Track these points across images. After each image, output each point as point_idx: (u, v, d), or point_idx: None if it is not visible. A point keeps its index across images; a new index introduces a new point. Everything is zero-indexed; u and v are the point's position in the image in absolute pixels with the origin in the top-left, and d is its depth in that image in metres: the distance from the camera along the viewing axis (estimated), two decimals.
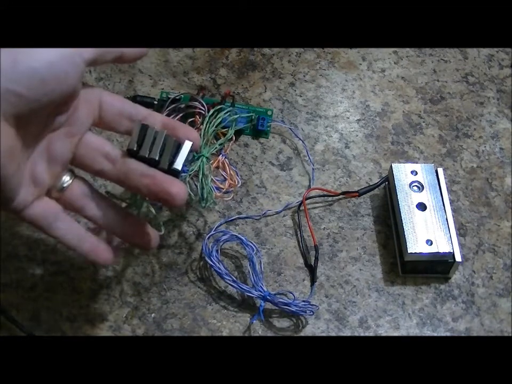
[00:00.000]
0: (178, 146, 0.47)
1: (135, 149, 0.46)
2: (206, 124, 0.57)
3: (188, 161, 0.47)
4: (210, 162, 0.57)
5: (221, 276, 0.56)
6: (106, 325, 0.56)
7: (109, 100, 0.49)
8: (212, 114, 0.58)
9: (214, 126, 0.58)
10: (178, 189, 0.46)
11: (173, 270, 0.59)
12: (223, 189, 0.58)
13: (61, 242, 0.48)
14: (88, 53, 0.47)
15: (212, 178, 0.56)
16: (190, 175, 0.53)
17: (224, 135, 0.61)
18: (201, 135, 0.57)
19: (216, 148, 0.58)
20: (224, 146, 0.61)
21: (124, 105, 0.49)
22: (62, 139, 0.47)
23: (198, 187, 0.55)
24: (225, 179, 0.59)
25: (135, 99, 0.66)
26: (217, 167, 0.60)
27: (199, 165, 0.55)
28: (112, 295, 0.57)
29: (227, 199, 0.59)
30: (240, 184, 0.61)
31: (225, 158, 0.59)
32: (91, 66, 0.47)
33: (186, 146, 0.47)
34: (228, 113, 0.59)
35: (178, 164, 0.46)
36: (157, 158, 0.46)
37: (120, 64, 0.52)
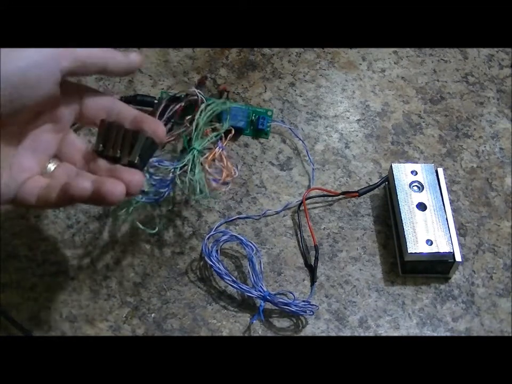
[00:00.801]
0: (143, 140, 0.48)
1: (99, 149, 0.48)
2: (197, 117, 0.57)
3: (149, 154, 0.48)
4: (205, 156, 0.57)
5: (221, 276, 0.56)
6: (106, 325, 0.56)
7: (90, 96, 0.50)
8: (204, 108, 0.58)
9: (206, 118, 0.57)
10: (131, 178, 0.47)
11: (173, 270, 0.59)
12: (219, 179, 0.57)
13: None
14: (66, 61, 0.48)
15: (207, 170, 0.56)
16: (177, 169, 0.55)
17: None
18: (193, 129, 0.57)
19: (208, 140, 0.58)
20: (222, 139, 0.59)
21: (102, 101, 0.51)
22: (47, 134, 0.49)
23: (187, 180, 0.55)
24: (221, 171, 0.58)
25: (135, 99, 0.66)
26: (214, 160, 0.58)
27: (190, 158, 0.55)
28: (112, 295, 0.57)
29: (224, 189, 0.58)
30: (237, 174, 0.59)
31: (222, 149, 0.58)
32: (71, 76, 0.48)
33: (141, 138, 0.47)
34: (220, 105, 0.59)
35: (133, 156, 0.47)
36: (117, 155, 0.47)
37: (111, 77, 0.52)
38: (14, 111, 0.45)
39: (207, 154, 0.57)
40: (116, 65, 0.51)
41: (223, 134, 0.59)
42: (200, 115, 0.58)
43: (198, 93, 0.59)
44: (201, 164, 0.57)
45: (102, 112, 0.50)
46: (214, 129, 0.60)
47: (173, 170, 0.57)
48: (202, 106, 0.58)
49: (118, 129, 0.48)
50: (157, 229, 0.58)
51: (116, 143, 0.48)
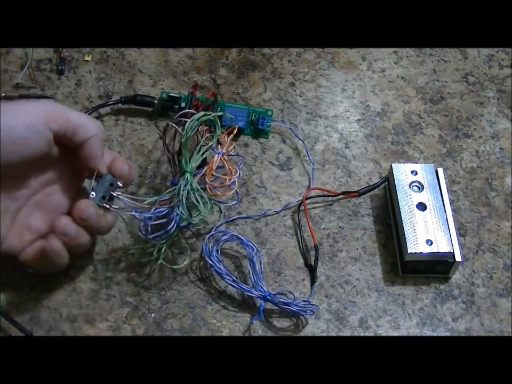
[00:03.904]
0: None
1: (91, 195, 0.54)
2: (183, 140, 0.56)
3: (107, 190, 0.54)
4: (204, 169, 0.56)
5: (221, 275, 0.56)
6: (106, 325, 0.56)
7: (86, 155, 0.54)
8: (187, 128, 0.56)
9: (188, 138, 0.56)
10: (83, 205, 0.53)
11: (173, 270, 0.59)
12: (223, 182, 0.57)
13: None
14: (56, 124, 0.51)
15: (209, 183, 0.55)
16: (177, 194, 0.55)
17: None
18: (182, 152, 0.56)
19: (199, 159, 0.56)
20: (220, 144, 0.58)
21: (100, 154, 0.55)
22: (60, 192, 0.54)
23: (184, 204, 0.54)
24: (225, 174, 0.57)
25: (135, 99, 0.66)
26: (217, 168, 0.58)
27: (186, 181, 0.55)
28: (112, 295, 0.57)
29: (231, 192, 0.57)
30: (239, 173, 0.58)
31: (222, 154, 0.58)
32: (64, 139, 0.52)
33: (106, 179, 0.54)
34: (200, 119, 0.57)
35: (93, 194, 0.53)
36: (90, 196, 0.54)
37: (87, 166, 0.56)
38: (2, 167, 0.49)
39: (205, 168, 0.57)
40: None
41: (225, 135, 0.59)
42: (185, 137, 0.56)
43: (173, 125, 0.57)
44: (198, 185, 0.56)
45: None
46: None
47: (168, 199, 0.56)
48: (187, 127, 0.56)
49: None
50: (182, 265, 0.58)
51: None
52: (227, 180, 0.57)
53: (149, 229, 0.55)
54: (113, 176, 0.55)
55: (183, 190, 0.55)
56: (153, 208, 0.55)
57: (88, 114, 0.65)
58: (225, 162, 0.58)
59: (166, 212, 0.55)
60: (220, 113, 0.60)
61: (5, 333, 0.55)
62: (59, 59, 0.69)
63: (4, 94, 0.66)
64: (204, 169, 0.57)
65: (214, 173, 0.57)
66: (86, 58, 0.69)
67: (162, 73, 0.70)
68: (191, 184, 0.55)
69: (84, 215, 0.52)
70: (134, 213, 0.55)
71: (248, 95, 0.68)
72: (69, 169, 0.55)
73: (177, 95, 0.66)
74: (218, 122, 0.58)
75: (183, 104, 0.65)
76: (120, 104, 0.66)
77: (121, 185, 0.55)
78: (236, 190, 0.58)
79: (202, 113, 0.56)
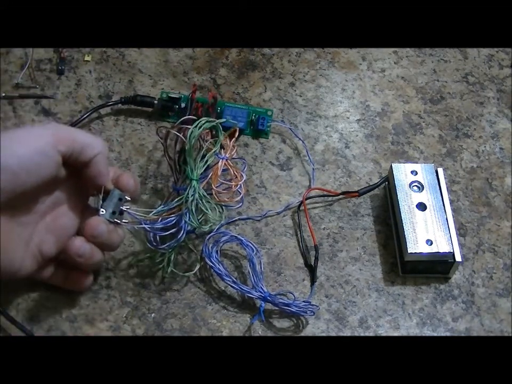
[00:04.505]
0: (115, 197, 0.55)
1: (101, 212, 0.54)
2: (187, 148, 0.56)
3: (116, 205, 0.54)
4: (209, 176, 0.56)
5: (221, 276, 0.56)
6: (106, 325, 0.56)
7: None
8: (189, 136, 0.56)
9: (192, 146, 0.56)
10: (94, 223, 0.53)
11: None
12: (230, 188, 0.57)
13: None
14: (64, 146, 0.51)
15: (215, 190, 0.55)
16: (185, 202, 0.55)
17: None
18: (187, 160, 0.56)
19: (204, 166, 0.56)
20: (223, 148, 0.58)
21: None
22: (67, 212, 0.54)
23: (194, 213, 0.54)
24: (230, 179, 0.57)
25: (135, 99, 0.66)
26: (222, 173, 0.57)
27: (194, 190, 0.55)
28: (112, 295, 0.57)
29: (239, 198, 0.57)
30: (245, 178, 0.58)
31: (226, 159, 0.58)
32: (67, 159, 0.52)
33: (114, 194, 0.54)
34: (203, 126, 0.56)
35: (103, 210, 0.53)
36: (100, 213, 0.53)
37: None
38: (15, 196, 0.49)
39: (210, 174, 0.56)
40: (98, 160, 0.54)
41: (227, 138, 0.59)
42: (188, 146, 0.56)
43: (176, 133, 0.57)
44: (206, 192, 0.56)
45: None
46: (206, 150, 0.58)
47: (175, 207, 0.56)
48: (188, 137, 0.56)
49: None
50: (195, 271, 0.58)
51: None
52: (233, 186, 0.57)
53: (158, 239, 0.56)
54: (120, 189, 0.55)
55: (191, 199, 0.55)
56: (160, 219, 0.55)
57: (89, 114, 0.65)
58: (229, 168, 0.57)
59: (175, 221, 0.55)
60: (223, 120, 0.59)
61: (5, 333, 0.55)
62: (59, 59, 0.69)
63: (4, 94, 0.66)
64: (209, 175, 0.56)
65: (219, 180, 0.56)
66: (86, 58, 0.69)
67: (162, 73, 0.70)
68: (198, 192, 0.55)
69: (96, 232, 0.52)
70: (144, 225, 0.55)
71: (248, 95, 0.68)
72: (74, 188, 0.55)
73: (177, 96, 0.66)
74: (221, 127, 0.57)
75: (183, 105, 0.65)
76: (120, 105, 0.66)
77: (129, 199, 0.55)
78: (241, 194, 0.58)
79: (204, 120, 0.56)
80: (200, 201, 0.55)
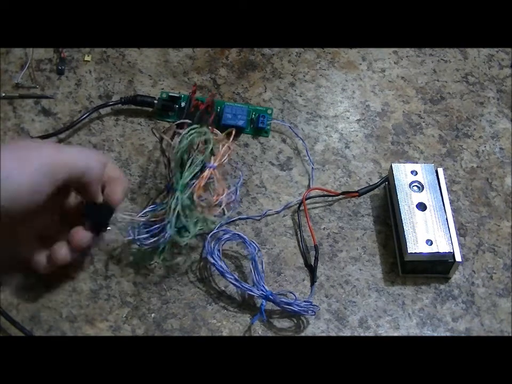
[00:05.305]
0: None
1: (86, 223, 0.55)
2: (173, 157, 0.56)
3: (103, 216, 0.55)
4: (194, 184, 0.56)
5: (223, 274, 0.56)
6: (106, 325, 0.56)
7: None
8: (179, 142, 0.56)
9: (181, 153, 0.56)
10: (80, 236, 0.54)
11: (173, 270, 0.59)
12: (215, 201, 0.57)
13: None
14: (62, 174, 0.50)
15: (198, 202, 0.55)
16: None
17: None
18: (173, 170, 0.57)
19: (189, 176, 0.56)
20: (214, 156, 0.57)
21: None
22: (50, 219, 0.54)
23: (173, 225, 0.55)
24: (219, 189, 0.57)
25: (135, 99, 0.66)
26: (206, 183, 0.57)
27: (176, 200, 0.55)
28: (112, 295, 0.57)
29: (219, 211, 0.57)
30: (228, 191, 0.57)
31: (214, 168, 0.57)
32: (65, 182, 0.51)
33: (102, 206, 0.55)
34: (191, 136, 0.56)
35: (88, 222, 0.55)
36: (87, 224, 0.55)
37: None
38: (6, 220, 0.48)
39: (196, 183, 0.56)
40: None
41: (224, 139, 0.59)
42: (175, 155, 0.56)
43: (168, 140, 0.58)
44: (189, 201, 0.56)
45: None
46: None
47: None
48: (176, 149, 0.56)
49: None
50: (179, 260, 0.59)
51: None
52: (214, 200, 0.56)
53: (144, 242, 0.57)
54: (108, 201, 0.55)
55: (173, 209, 0.55)
56: (144, 225, 0.56)
57: (89, 114, 0.65)
58: (215, 179, 0.57)
59: (160, 229, 0.56)
60: (212, 136, 0.58)
61: (5, 333, 0.55)
62: (59, 59, 0.69)
63: (4, 94, 0.66)
64: (195, 184, 0.56)
65: (201, 194, 0.56)
66: (86, 58, 0.69)
67: (162, 73, 0.70)
68: (181, 203, 0.55)
69: (82, 245, 0.53)
70: (130, 237, 0.56)
71: (248, 95, 0.68)
72: (56, 195, 0.53)
73: (177, 95, 0.66)
74: (211, 138, 0.57)
75: (183, 104, 0.65)
76: (120, 105, 0.66)
77: (116, 208, 0.55)
78: (234, 200, 0.59)
79: (193, 131, 0.56)
80: (182, 212, 0.55)
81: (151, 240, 0.56)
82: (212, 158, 0.57)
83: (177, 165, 0.56)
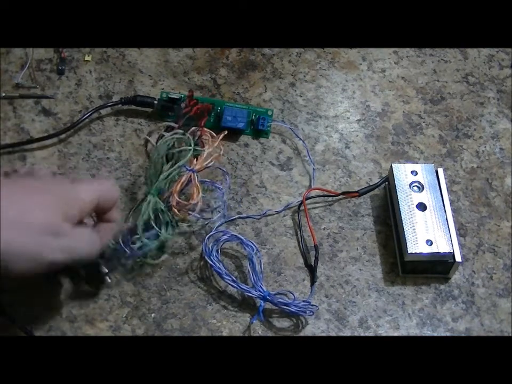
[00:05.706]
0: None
1: None
2: (150, 160, 0.56)
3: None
4: (172, 188, 0.56)
5: (221, 275, 0.56)
6: (106, 325, 0.56)
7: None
8: (159, 147, 0.57)
9: (154, 162, 0.56)
10: None
11: (173, 270, 0.59)
12: (188, 205, 0.57)
13: None
14: (73, 211, 0.49)
15: (174, 206, 0.56)
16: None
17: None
18: (149, 172, 0.57)
19: (163, 180, 0.56)
20: (192, 160, 0.58)
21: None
22: None
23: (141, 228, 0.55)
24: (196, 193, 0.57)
25: (135, 99, 0.66)
26: (184, 187, 0.57)
27: (148, 204, 0.55)
28: (112, 295, 0.57)
29: (191, 215, 0.57)
30: (201, 196, 0.57)
31: (193, 172, 0.57)
32: None
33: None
34: (168, 142, 0.57)
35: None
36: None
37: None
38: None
39: (173, 187, 0.56)
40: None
41: (215, 139, 0.59)
42: (152, 160, 0.56)
43: (149, 140, 0.59)
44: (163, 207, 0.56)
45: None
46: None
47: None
48: (153, 153, 0.56)
49: None
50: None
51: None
52: (188, 204, 0.56)
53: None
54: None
55: (142, 213, 0.55)
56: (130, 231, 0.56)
57: (89, 114, 0.65)
58: (193, 184, 0.57)
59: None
60: (193, 147, 0.58)
61: (5, 333, 0.55)
62: (59, 59, 0.69)
63: (4, 94, 0.66)
64: (172, 187, 0.56)
65: (177, 198, 0.56)
66: (86, 58, 0.69)
67: (162, 73, 0.70)
68: (152, 207, 0.55)
69: None
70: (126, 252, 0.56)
71: (248, 95, 0.68)
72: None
73: (177, 96, 0.66)
74: (192, 141, 0.57)
75: (182, 105, 0.65)
76: (120, 105, 0.66)
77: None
78: (222, 205, 0.59)
79: (175, 135, 0.57)
80: (152, 217, 0.55)
81: (135, 246, 0.56)
82: (195, 160, 0.57)
83: (154, 168, 0.57)
